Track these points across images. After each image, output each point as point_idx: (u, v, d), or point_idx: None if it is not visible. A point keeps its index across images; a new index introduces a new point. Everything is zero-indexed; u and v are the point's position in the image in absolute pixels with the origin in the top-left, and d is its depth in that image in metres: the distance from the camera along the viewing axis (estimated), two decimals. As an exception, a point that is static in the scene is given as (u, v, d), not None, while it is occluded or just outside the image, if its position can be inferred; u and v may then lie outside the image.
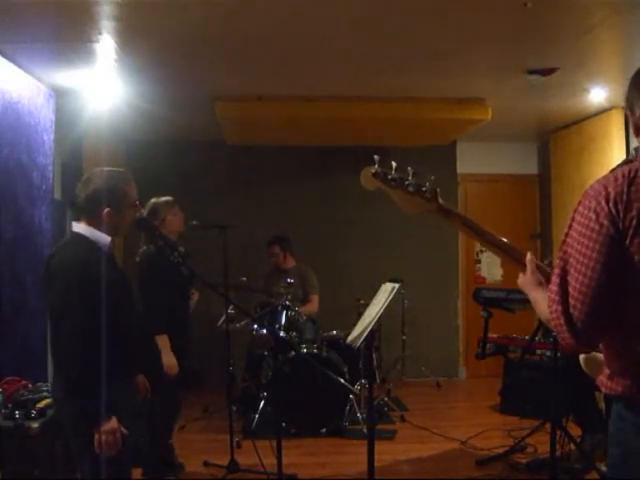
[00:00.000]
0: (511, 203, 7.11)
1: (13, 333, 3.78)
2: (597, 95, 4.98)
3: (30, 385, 3.32)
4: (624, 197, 1.43)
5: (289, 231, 6.00)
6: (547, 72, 4.34)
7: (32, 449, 2.95)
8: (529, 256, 1.72)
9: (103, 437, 2.23)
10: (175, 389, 3.80)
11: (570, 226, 1.51)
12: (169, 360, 3.67)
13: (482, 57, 4.15)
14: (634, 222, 1.41)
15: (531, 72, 4.36)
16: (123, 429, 2.28)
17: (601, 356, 1.62)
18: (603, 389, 1.57)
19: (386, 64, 4.31)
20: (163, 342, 3.67)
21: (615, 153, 5.28)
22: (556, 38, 3.74)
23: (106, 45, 3.76)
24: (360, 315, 3.62)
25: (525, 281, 1.71)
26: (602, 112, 5.48)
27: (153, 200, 3.98)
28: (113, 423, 2.25)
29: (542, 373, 4.92)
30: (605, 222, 1.43)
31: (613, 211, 1.43)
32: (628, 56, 4.08)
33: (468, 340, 6.93)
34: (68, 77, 4.37)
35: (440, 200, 1.77)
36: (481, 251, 7.10)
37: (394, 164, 1.74)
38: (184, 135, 6.30)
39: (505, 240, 1.77)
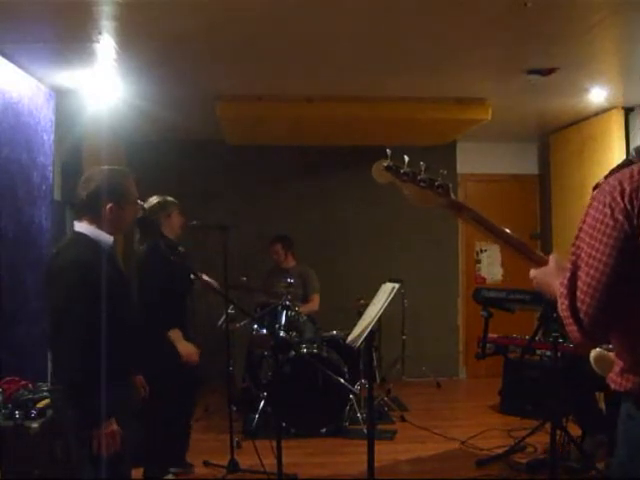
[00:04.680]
0: (511, 203, 7.09)
1: (13, 333, 3.78)
2: (597, 95, 4.98)
3: (30, 385, 3.31)
4: (639, 193, 1.42)
5: (289, 231, 6.01)
6: (547, 72, 4.33)
7: (32, 449, 2.95)
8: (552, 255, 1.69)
9: (102, 440, 2.22)
10: (176, 388, 3.78)
11: (584, 221, 1.50)
12: (185, 349, 3.69)
13: (482, 57, 4.14)
14: None
15: (531, 72, 4.35)
16: (121, 431, 2.27)
17: (612, 355, 1.61)
18: (612, 386, 1.56)
19: (386, 64, 4.30)
20: (176, 335, 3.69)
21: (615, 153, 5.27)
22: (556, 38, 3.73)
23: (106, 45, 3.75)
24: (360, 315, 3.62)
25: (544, 272, 1.66)
26: (602, 112, 5.48)
27: (156, 198, 3.98)
28: (112, 426, 2.25)
29: (542, 373, 4.91)
30: (620, 217, 1.42)
31: (628, 207, 1.42)
32: (628, 56, 4.08)
33: (468, 340, 6.92)
34: (68, 77, 4.36)
35: (452, 195, 1.78)
36: (481, 251, 7.10)
37: (407, 158, 1.75)
38: (184, 135, 6.30)
39: (515, 235, 1.77)
